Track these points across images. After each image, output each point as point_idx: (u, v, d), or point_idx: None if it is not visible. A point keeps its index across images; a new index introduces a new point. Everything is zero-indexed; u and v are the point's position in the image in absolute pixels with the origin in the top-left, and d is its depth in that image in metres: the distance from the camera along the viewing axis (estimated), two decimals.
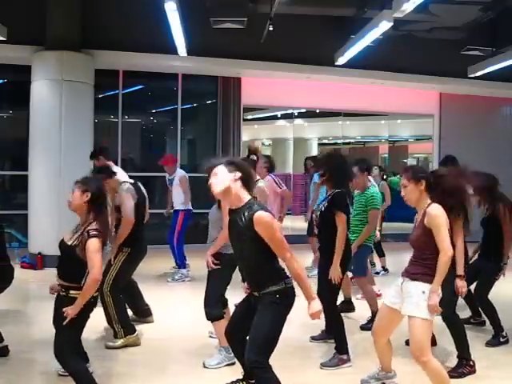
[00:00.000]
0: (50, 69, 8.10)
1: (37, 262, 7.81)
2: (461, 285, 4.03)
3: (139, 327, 4.90)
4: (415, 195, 3.44)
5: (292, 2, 8.07)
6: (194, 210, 7.61)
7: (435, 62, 10.13)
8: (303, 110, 12.34)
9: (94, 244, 3.25)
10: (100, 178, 3.74)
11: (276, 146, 14.28)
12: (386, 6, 6.64)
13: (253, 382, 3.43)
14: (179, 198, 7.39)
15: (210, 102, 10.85)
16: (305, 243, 7.22)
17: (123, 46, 8.77)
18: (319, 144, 14.38)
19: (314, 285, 3.53)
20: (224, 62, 9.43)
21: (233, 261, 3.52)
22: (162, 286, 7.01)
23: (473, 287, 5.01)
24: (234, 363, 3.96)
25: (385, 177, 8.34)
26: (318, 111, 12.41)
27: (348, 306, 5.77)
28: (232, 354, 3.74)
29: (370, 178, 5.64)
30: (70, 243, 3.35)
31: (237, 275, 4.18)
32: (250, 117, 11.83)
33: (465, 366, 4.08)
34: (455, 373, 3.97)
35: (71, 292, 3.31)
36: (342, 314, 4.60)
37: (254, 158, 5.51)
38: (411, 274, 3.41)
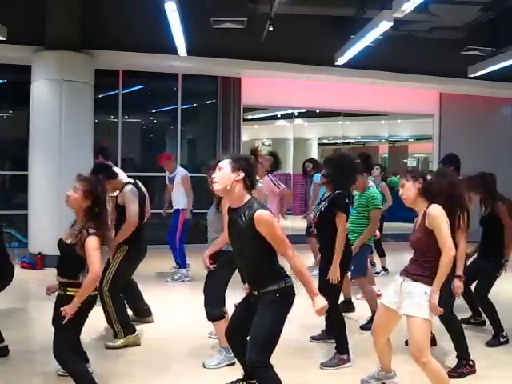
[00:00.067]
0: (50, 69, 8.10)
1: (37, 262, 7.81)
2: (458, 285, 4.03)
3: (139, 327, 4.90)
4: (412, 193, 3.44)
5: (292, 1, 8.07)
6: (194, 210, 7.61)
7: (435, 62, 10.13)
8: (303, 110, 12.34)
9: (92, 242, 3.27)
10: (102, 179, 3.74)
11: (276, 146, 14.27)
12: (386, 6, 6.64)
13: (253, 382, 3.43)
14: (179, 197, 7.39)
15: (209, 101, 10.85)
16: (305, 243, 7.22)
17: (123, 45, 8.77)
18: (319, 144, 14.40)
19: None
20: (224, 61, 9.43)
21: (232, 259, 3.52)
22: (162, 286, 7.01)
23: (473, 287, 5.01)
24: (233, 363, 3.96)
25: (385, 177, 8.32)
26: (318, 111, 12.41)
27: (348, 306, 5.77)
28: (232, 354, 3.74)
29: (371, 182, 5.64)
30: (68, 242, 3.37)
31: (236, 275, 4.20)
32: (250, 117, 11.83)
33: (464, 366, 4.08)
34: (455, 373, 3.97)
35: (69, 290, 3.32)
36: (342, 314, 4.59)
37: (253, 158, 5.51)
38: (411, 274, 3.40)
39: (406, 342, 4.50)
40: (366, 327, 5.15)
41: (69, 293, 3.31)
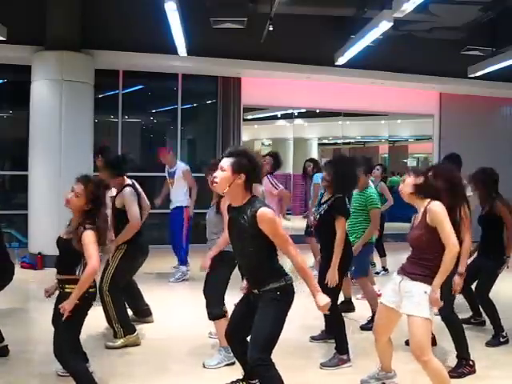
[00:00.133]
0: (50, 69, 8.10)
1: (37, 262, 7.81)
2: (458, 282, 4.05)
3: (139, 327, 4.91)
4: (408, 189, 3.45)
5: (292, 1, 8.07)
6: (195, 210, 7.62)
7: (435, 62, 10.13)
8: (303, 110, 12.34)
9: (89, 236, 3.29)
10: (104, 181, 3.75)
11: (276, 146, 14.26)
12: (386, 6, 6.64)
13: (253, 382, 3.44)
14: (181, 194, 7.39)
15: (209, 101, 10.85)
16: (305, 243, 7.22)
17: (123, 45, 8.78)
18: (319, 144, 14.40)
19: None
20: (224, 61, 9.43)
21: (232, 259, 3.52)
22: (162, 286, 7.01)
23: (473, 286, 5.02)
24: (233, 363, 3.96)
25: (385, 177, 8.32)
26: (318, 111, 12.41)
27: (348, 306, 5.77)
28: (231, 354, 3.74)
29: (370, 182, 5.64)
30: (66, 237, 3.40)
31: (236, 275, 4.19)
32: (250, 117, 11.83)
33: (464, 365, 4.07)
34: (455, 373, 3.97)
35: (67, 286, 3.33)
36: (342, 314, 4.59)
37: (255, 152, 5.51)
38: (410, 273, 3.40)
39: (406, 342, 4.50)
40: (366, 327, 5.15)
41: (67, 290, 3.32)
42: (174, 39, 7.88)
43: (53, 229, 7.31)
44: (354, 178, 4.51)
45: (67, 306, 3.20)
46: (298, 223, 8.92)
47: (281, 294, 3.04)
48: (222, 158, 3.12)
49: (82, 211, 3.42)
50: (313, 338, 4.86)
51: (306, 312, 5.18)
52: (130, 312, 4.94)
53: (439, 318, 4.09)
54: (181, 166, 7.51)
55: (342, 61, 8.83)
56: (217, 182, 3.05)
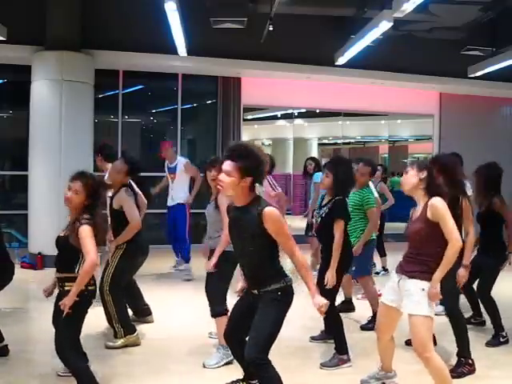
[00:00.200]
0: (50, 69, 8.10)
1: (37, 262, 7.81)
2: (463, 274, 4.07)
3: (139, 327, 4.91)
4: (413, 181, 3.44)
5: (292, 1, 8.07)
6: (195, 210, 7.62)
7: (435, 62, 10.13)
8: (303, 110, 12.33)
9: (85, 230, 3.30)
10: (102, 179, 3.76)
11: (276, 146, 14.27)
12: (386, 6, 6.64)
13: (253, 382, 3.43)
14: (182, 190, 7.42)
15: (209, 102, 10.85)
16: (305, 243, 7.22)
17: (123, 45, 8.77)
18: (319, 144, 14.39)
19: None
20: (224, 61, 9.43)
21: (234, 258, 3.52)
22: (162, 286, 7.01)
23: (474, 286, 5.01)
24: (232, 361, 3.96)
25: (385, 177, 8.31)
26: (318, 111, 12.41)
27: (348, 305, 5.77)
28: (230, 351, 3.75)
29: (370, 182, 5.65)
30: (63, 234, 3.42)
31: (236, 275, 4.19)
32: (250, 117, 11.83)
33: (464, 364, 4.07)
34: (455, 373, 3.96)
35: (66, 284, 3.34)
36: (342, 314, 4.60)
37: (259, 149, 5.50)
38: (408, 271, 3.40)
39: (406, 342, 4.51)
40: (366, 327, 5.16)
41: (66, 288, 3.33)
42: (174, 39, 7.88)
43: (53, 229, 7.27)
44: (351, 178, 4.54)
45: (67, 302, 3.22)
46: (299, 223, 8.91)
47: (281, 295, 3.05)
48: (226, 157, 3.07)
49: (80, 207, 3.43)
50: (313, 338, 4.86)
51: (305, 312, 5.17)
52: (130, 312, 4.94)
53: (440, 317, 4.09)
54: (181, 160, 7.58)
55: (341, 61, 8.83)
56: (223, 187, 3.03)
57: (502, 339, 4.78)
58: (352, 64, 9.05)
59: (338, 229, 4.24)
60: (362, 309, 5.62)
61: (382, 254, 7.79)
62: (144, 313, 5.30)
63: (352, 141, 13.76)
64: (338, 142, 12.85)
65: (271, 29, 7.99)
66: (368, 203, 5.25)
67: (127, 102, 10.06)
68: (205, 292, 4.29)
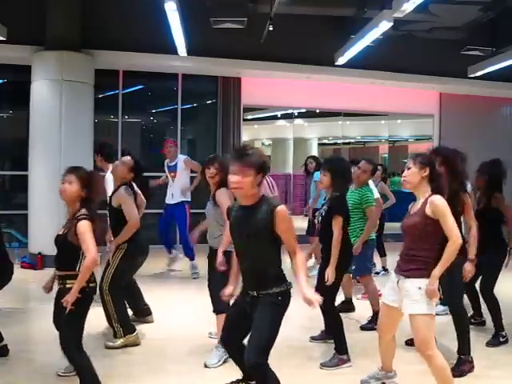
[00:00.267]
0: (50, 69, 8.10)
1: (37, 262, 7.81)
2: (469, 269, 4.08)
3: (139, 327, 4.90)
4: (415, 179, 3.43)
5: (292, 1, 8.06)
6: (194, 210, 7.62)
7: (435, 62, 10.13)
8: (303, 110, 12.33)
9: (83, 225, 3.31)
10: (95, 173, 3.76)
11: (276, 146, 14.28)
12: (386, 6, 6.64)
13: (252, 382, 3.43)
14: (183, 189, 7.43)
15: (209, 101, 10.85)
16: (305, 243, 7.21)
17: (123, 45, 8.78)
18: (319, 144, 14.40)
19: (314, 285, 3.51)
20: (224, 61, 9.43)
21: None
22: (162, 286, 7.01)
23: (476, 286, 5.02)
24: None
25: (385, 178, 8.30)
26: (318, 111, 12.41)
27: (348, 305, 5.77)
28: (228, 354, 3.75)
29: (370, 181, 5.65)
30: (61, 232, 3.43)
31: None
32: (250, 117, 11.83)
33: (464, 362, 4.08)
34: (456, 371, 3.96)
35: (68, 282, 3.35)
36: (342, 314, 4.60)
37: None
38: (404, 271, 3.41)
39: (407, 342, 4.52)
40: (366, 327, 5.16)
41: (68, 285, 3.34)
42: (174, 39, 7.88)
43: (53, 229, 7.24)
44: (348, 175, 4.57)
45: (69, 299, 3.23)
46: (299, 223, 8.91)
47: (281, 299, 3.05)
48: (236, 161, 3.02)
49: (77, 200, 3.45)
50: (313, 338, 4.86)
51: (305, 312, 5.17)
52: (129, 312, 4.94)
53: (440, 317, 4.09)
54: (181, 158, 7.61)
55: (342, 61, 8.83)
56: (242, 188, 3.01)
57: (501, 339, 4.78)
58: (352, 64, 9.05)
59: (337, 225, 4.24)
60: (362, 309, 5.62)
61: (382, 254, 7.79)
62: (144, 313, 5.30)
63: (352, 141, 13.76)
64: (338, 141, 12.85)
65: (271, 29, 7.99)
66: (367, 201, 5.26)
67: (127, 102, 10.06)
68: (208, 289, 4.31)
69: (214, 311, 4.26)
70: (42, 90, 8.19)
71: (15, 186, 10.01)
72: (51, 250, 3.59)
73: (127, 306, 4.85)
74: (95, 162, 6.43)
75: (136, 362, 4.32)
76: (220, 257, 4.05)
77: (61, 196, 3.49)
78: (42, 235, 7.87)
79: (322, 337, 4.81)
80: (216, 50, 9.07)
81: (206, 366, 4.15)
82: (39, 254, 7.82)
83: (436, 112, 11.95)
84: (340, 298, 5.31)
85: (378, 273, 7.55)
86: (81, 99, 8.28)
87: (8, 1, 8.12)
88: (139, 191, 5.00)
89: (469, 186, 4.79)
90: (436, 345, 3.42)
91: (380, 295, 5.36)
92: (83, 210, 3.41)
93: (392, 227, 9.85)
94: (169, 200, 7.63)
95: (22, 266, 7.77)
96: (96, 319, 4.20)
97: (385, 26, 6.87)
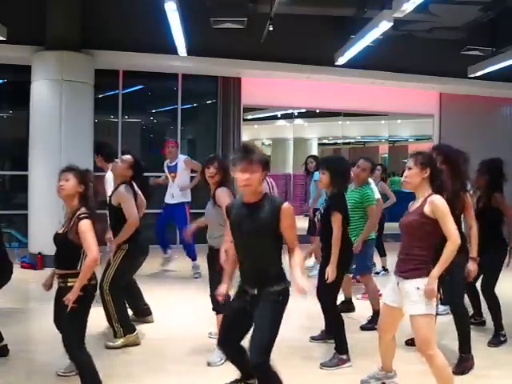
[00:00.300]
0: (50, 69, 8.10)
1: (37, 262, 7.81)
2: (473, 268, 4.09)
3: (139, 327, 4.90)
4: (416, 180, 3.43)
5: (292, 1, 8.06)
6: (194, 210, 7.62)
7: (435, 62, 10.13)
8: (303, 110, 12.33)
9: (85, 224, 3.34)
10: (89, 170, 3.76)
11: (276, 146, 14.26)
12: (386, 6, 6.64)
13: (251, 382, 3.43)
14: (182, 186, 7.43)
15: (210, 102, 10.85)
16: (306, 243, 7.20)
17: (123, 45, 8.77)
18: (319, 144, 14.38)
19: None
20: (224, 61, 9.43)
21: None
22: (162, 286, 7.01)
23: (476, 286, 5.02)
24: None
25: (385, 178, 8.30)
26: (318, 111, 12.41)
27: (348, 306, 5.77)
28: (225, 356, 3.74)
29: (369, 179, 5.64)
30: (61, 231, 3.44)
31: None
32: (250, 117, 11.83)
33: (465, 359, 4.11)
34: (459, 369, 4.00)
35: (69, 280, 3.35)
36: (343, 314, 4.59)
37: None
38: (403, 272, 3.41)
39: (407, 342, 4.52)
40: (366, 327, 5.16)
41: (69, 284, 3.35)
42: (174, 39, 7.88)
43: (53, 229, 7.21)
44: (347, 172, 4.60)
45: (71, 297, 3.24)
46: (300, 223, 8.93)
47: (282, 298, 3.06)
48: (244, 158, 3.03)
49: (75, 196, 3.48)
50: (313, 338, 4.86)
51: (305, 312, 5.18)
52: (129, 312, 4.94)
53: (441, 317, 4.09)
54: (182, 158, 7.62)
55: (342, 61, 8.83)
56: (251, 185, 3.03)
57: (502, 338, 4.79)
58: (352, 64, 9.04)
59: (336, 222, 4.24)
60: (362, 309, 5.62)
61: (382, 254, 7.79)
62: (144, 313, 5.30)
63: (352, 141, 13.74)
64: (338, 142, 12.85)
65: (271, 29, 7.99)
66: (368, 200, 5.26)
67: (127, 102, 10.06)
68: (209, 288, 4.31)
69: (213, 309, 4.27)
70: (41, 90, 8.19)
71: (15, 185, 10.01)
72: (51, 250, 3.59)
73: (127, 305, 4.85)
74: (95, 162, 6.42)
75: (136, 362, 4.32)
76: (223, 256, 4.05)
77: (59, 194, 3.51)
78: (42, 235, 7.87)
79: (322, 337, 4.81)
80: (216, 49, 9.07)
81: (208, 365, 4.16)
82: (39, 253, 7.82)
83: (436, 112, 11.95)
84: (340, 298, 5.30)
85: (377, 273, 7.55)
86: (81, 99, 8.28)
87: (8, 1, 8.12)
88: (139, 192, 5.00)
89: (468, 186, 4.80)
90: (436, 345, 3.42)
91: (380, 295, 5.37)
92: (83, 209, 3.43)
93: (392, 227, 9.83)
94: (169, 200, 7.63)
95: (21, 266, 7.77)
96: (96, 319, 4.20)
97: (385, 25, 6.87)
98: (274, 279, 3.07)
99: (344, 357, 4.23)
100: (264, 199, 3.08)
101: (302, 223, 8.23)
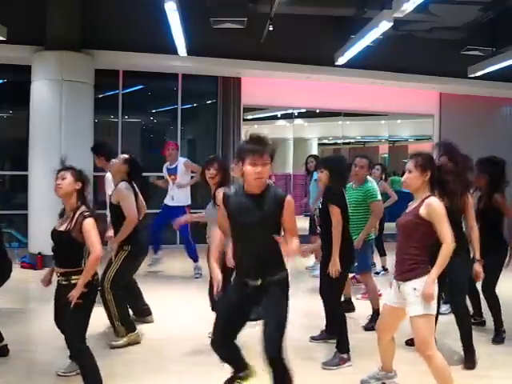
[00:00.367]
0: (50, 69, 8.10)
1: (37, 262, 7.81)
2: (479, 270, 4.16)
3: (139, 327, 4.90)
4: (417, 183, 3.43)
5: (292, 1, 8.06)
6: (194, 210, 7.61)
7: (435, 62, 10.13)
8: (303, 110, 12.33)
9: (89, 223, 3.39)
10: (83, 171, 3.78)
11: (276, 146, 14.23)
12: (386, 6, 6.64)
13: (243, 375, 3.42)
14: (183, 193, 7.45)
15: (209, 102, 10.85)
16: (306, 243, 7.20)
17: (123, 46, 8.77)
18: (319, 144, 14.37)
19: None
20: (224, 61, 9.43)
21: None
22: (162, 286, 7.01)
23: (476, 286, 5.03)
24: None
25: (383, 177, 8.30)
26: (318, 111, 12.41)
27: (348, 305, 5.76)
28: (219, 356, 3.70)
29: (368, 177, 5.64)
30: (63, 229, 3.44)
31: None
32: (250, 117, 11.82)
33: (471, 354, 4.18)
34: (469, 364, 4.12)
35: (73, 278, 3.37)
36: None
37: None
38: (401, 274, 3.42)
39: (407, 342, 4.52)
40: (368, 327, 5.13)
41: (73, 281, 3.38)
42: (174, 39, 7.88)
43: None
44: (345, 169, 4.67)
45: (75, 293, 3.27)
46: (301, 223, 8.93)
47: (287, 285, 3.09)
48: (259, 151, 3.02)
49: (73, 194, 3.51)
50: (313, 338, 4.86)
51: (305, 312, 5.18)
52: (130, 312, 4.94)
53: (442, 317, 4.10)
54: (181, 161, 7.61)
55: (342, 61, 8.83)
56: (264, 177, 3.05)
57: (503, 334, 4.84)
58: (352, 64, 9.05)
59: (334, 215, 4.26)
60: (362, 308, 5.62)
61: (382, 254, 7.80)
62: (144, 313, 5.30)
63: (352, 141, 13.74)
64: (338, 142, 12.84)
65: (271, 29, 7.99)
66: (371, 196, 5.27)
67: (127, 101, 10.05)
68: (208, 288, 4.31)
69: (212, 309, 4.29)
70: (42, 90, 8.19)
71: (15, 185, 10.01)
72: (51, 250, 3.60)
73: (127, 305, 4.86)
74: (95, 162, 6.41)
75: (136, 362, 4.33)
76: (229, 253, 4.05)
77: (57, 193, 3.54)
78: (41, 235, 7.79)
79: (322, 337, 4.81)
80: (216, 49, 9.07)
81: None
82: (39, 254, 7.82)
83: (436, 112, 11.95)
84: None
85: (377, 273, 7.55)
86: (81, 99, 8.29)
87: (8, 1, 8.12)
88: (140, 193, 5.00)
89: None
90: (436, 345, 3.42)
91: (380, 295, 5.38)
92: (83, 207, 3.46)
93: (392, 227, 9.87)
94: (168, 201, 7.62)
95: (21, 266, 7.77)
96: (96, 319, 4.20)
97: (385, 25, 6.87)
98: (276, 268, 3.09)
99: (345, 356, 4.23)
100: (267, 190, 3.08)
101: (303, 223, 8.23)
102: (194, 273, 7.43)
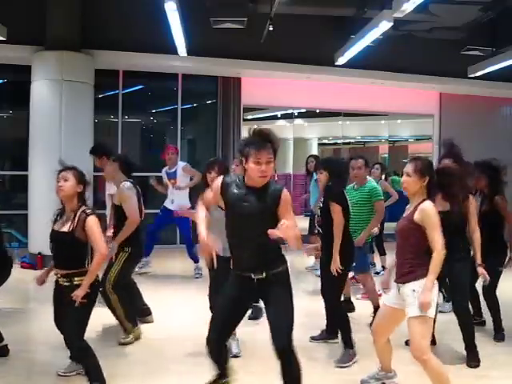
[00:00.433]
0: (50, 69, 8.10)
1: (37, 262, 7.81)
2: (483, 272, 4.20)
3: (139, 327, 4.91)
4: (415, 188, 3.44)
5: (292, 1, 8.07)
6: (193, 211, 7.61)
7: (435, 62, 10.13)
8: (303, 110, 12.33)
9: (92, 220, 3.41)
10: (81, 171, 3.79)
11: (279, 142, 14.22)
12: (386, 6, 6.64)
13: (224, 381, 3.41)
14: (183, 197, 7.44)
15: (210, 102, 10.85)
16: (306, 243, 7.20)
17: (123, 46, 8.78)
18: (319, 144, 14.38)
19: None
20: (224, 61, 9.43)
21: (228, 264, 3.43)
22: (162, 286, 7.01)
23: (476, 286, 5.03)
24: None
25: (384, 176, 8.30)
26: (318, 111, 12.41)
27: (348, 305, 5.76)
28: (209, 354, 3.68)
29: (368, 177, 5.65)
30: (65, 230, 3.44)
31: None
32: (250, 117, 11.82)
33: (474, 351, 4.21)
34: (473, 362, 4.15)
35: (76, 279, 3.38)
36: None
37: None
38: (401, 277, 3.42)
39: (407, 342, 4.51)
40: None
41: (76, 282, 3.39)
42: (174, 39, 7.88)
43: None
44: (345, 169, 4.67)
45: (79, 293, 3.28)
46: (301, 223, 8.93)
47: (288, 278, 3.10)
48: (265, 148, 3.01)
49: (75, 196, 3.51)
50: (313, 338, 4.85)
51: (305, 312, 5.18)
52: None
53: (442, 316, 4.10)
54: (181, 165, 7.58)
55: (342, 61, 8.83)
56: (268, 176, 3.05)
57: (504, 332, 4.86)
58: (352, 64, 9.05)
59: (335, 213, 4.27)
60: (362, 308, 5.62)
61: (382, 253, 7.79)
62: (144, 313, 5.30)
63: (352, 141, 13.74)
64: (338, 142, 12.85)
65: (271, 29, 7.99)
66: (376, 195, 5.29)
67: (127, 101, 10.05)
68: (208, 289, 4.32)
69: (211, 309, 4.26)
70: (42, 90, 8.19)
71: (15, 186, 10.01)
72: (50, 251, 3.60)
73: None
74: (95, 162, 6.41)
75: (136, 362, 4.33)
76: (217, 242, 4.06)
77: (58, 194, 3.53)
78: (41, 235, 7.76)
79: (322, 337, 4.81)
80: (216, 50, 9.07)
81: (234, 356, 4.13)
82: (39, 254, 7.82)
83: (436, 112, 11.95)
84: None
85: (377, 273, 7.55)
86: (81, 99, 8.29)
87: (8, 1, 8.12)
88: (140, 196, 5.01)
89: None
90: (435, 345, 3.43)
91: (380, 295, 5.38)
92: (84, 207, 3.46)
93: (392, 227, 9.87)
94: (168, 204, 7.60)
95: (21, 266, 7.77)
96: (96, 319, 4.20)
97: (385, 25, 6.87)
98: (277, 258, 3.10)
99: (351, 351, 4.26)
100: (268, 185, 3.08)
101: (303, 223, 8.23)
102: (195, 273, 7.44)
